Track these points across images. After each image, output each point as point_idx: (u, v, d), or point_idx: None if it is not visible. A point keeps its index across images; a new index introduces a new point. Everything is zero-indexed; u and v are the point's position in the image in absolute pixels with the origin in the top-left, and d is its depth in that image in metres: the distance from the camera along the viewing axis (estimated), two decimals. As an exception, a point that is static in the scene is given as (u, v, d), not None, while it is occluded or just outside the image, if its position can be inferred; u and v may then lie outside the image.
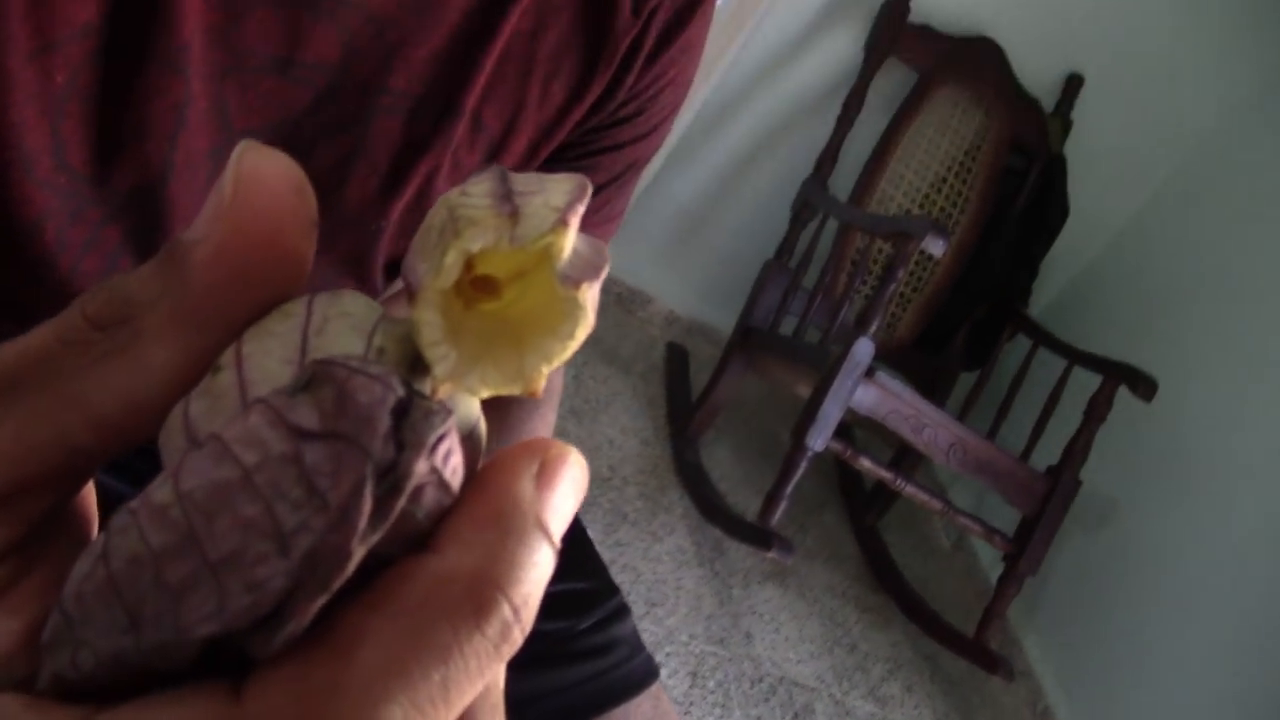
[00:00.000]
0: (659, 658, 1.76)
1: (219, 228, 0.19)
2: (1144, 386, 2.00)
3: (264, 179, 0.19)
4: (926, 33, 2.30)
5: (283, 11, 0.49)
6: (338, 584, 0.17)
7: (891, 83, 2.33)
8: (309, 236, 0.20)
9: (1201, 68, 2.44)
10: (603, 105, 0.61)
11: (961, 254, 2.37)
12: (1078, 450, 2.02)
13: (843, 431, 2.53)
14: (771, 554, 1.79)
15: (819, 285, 2.14)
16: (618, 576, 1.85)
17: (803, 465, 1.84)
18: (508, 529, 0.18)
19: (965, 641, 2.04)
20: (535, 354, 0.20)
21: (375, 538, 0.17)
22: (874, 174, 2.29)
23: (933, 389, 2.37)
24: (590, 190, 0.19)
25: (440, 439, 0.18)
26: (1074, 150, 2.44)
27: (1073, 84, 2.45)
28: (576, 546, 0.76)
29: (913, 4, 2.28)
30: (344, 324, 0.20)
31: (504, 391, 0.20)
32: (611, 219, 0.68)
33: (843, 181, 2.33)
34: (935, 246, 1.80)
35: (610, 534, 1.93)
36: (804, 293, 2.21)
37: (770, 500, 1.85)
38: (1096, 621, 2.19)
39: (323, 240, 0.58)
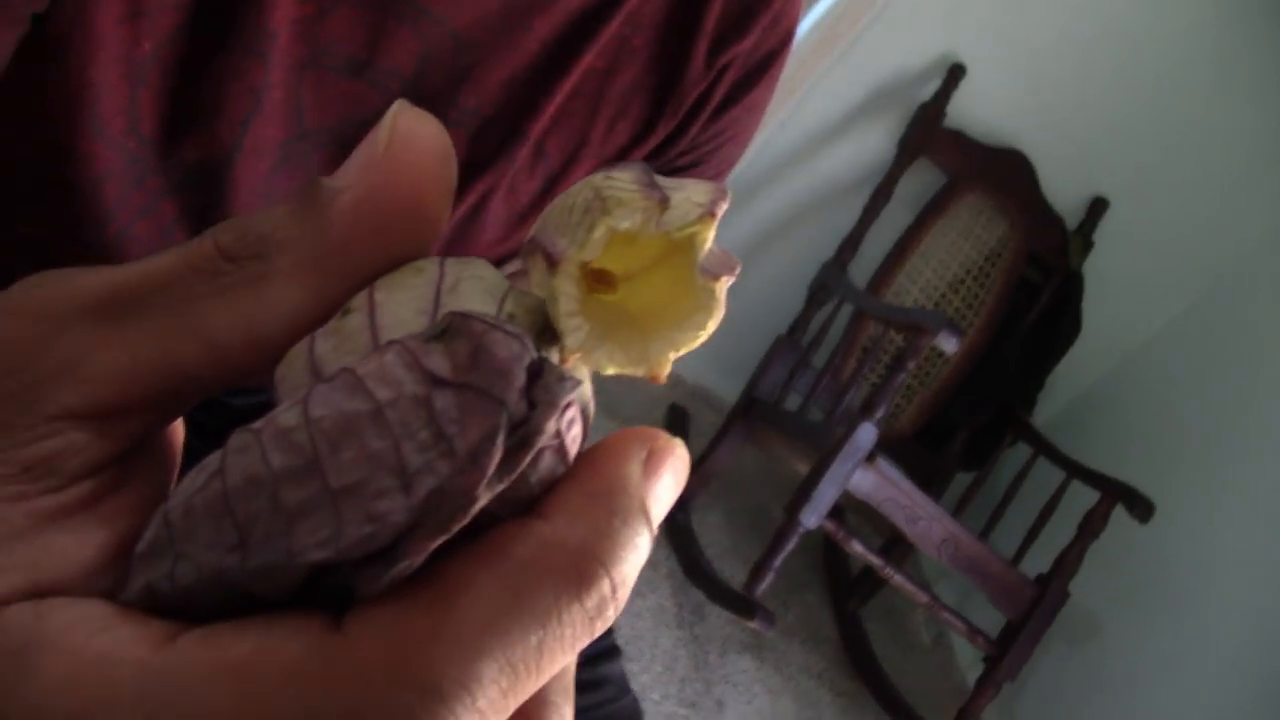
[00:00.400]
0: None
1: (367, 178, 0.20)
2: (1141, 508, 2.02)
3: (416, 139, 0.20)
4: (960, 139, 2.37)
5: (368, 13, 0.52)
6: (456, 528, 0.17)
7: (920, 181, 2.39)
8: (446, 203, 0.21)
9: (1228, 201, 2.50)
10: (663, 151, 0.64)
11: (971, 355, 2.41)
12: (1069, 562, 2.03)
13: (835, 513, 2.54)
14: (754, 624, 1.80)
15: (828, 366, 2.17)
16: (598, 627, 1.85)
17: (793, 540, 1.85)
18: (615, 508, 0.19)
19: (934, 739, 2.04)
20: (662, 341, 0.21)
21: (500, 488, 0.18)
22: (893, 266, 2.33)
23: (929, 483, 2.39)
24: (729, 196, 0.21)
25: (569, 405, 0.19)
26: (1093, 269, 2.49)
27: (1097, 206, 2.51)
28: None
29: (949, 109, 2.35)
30: (477, 285, 0.21)
31: (628, 372, 0.21)
32: None
33: (862, 268, 2.37)
34: (948, 343, 1.84)
35: (595, 585, 1.94)
36: (812, 372, 2.24)
37: (757, 570, 1.86)
38: (1066, 736, 2.18)
39: None
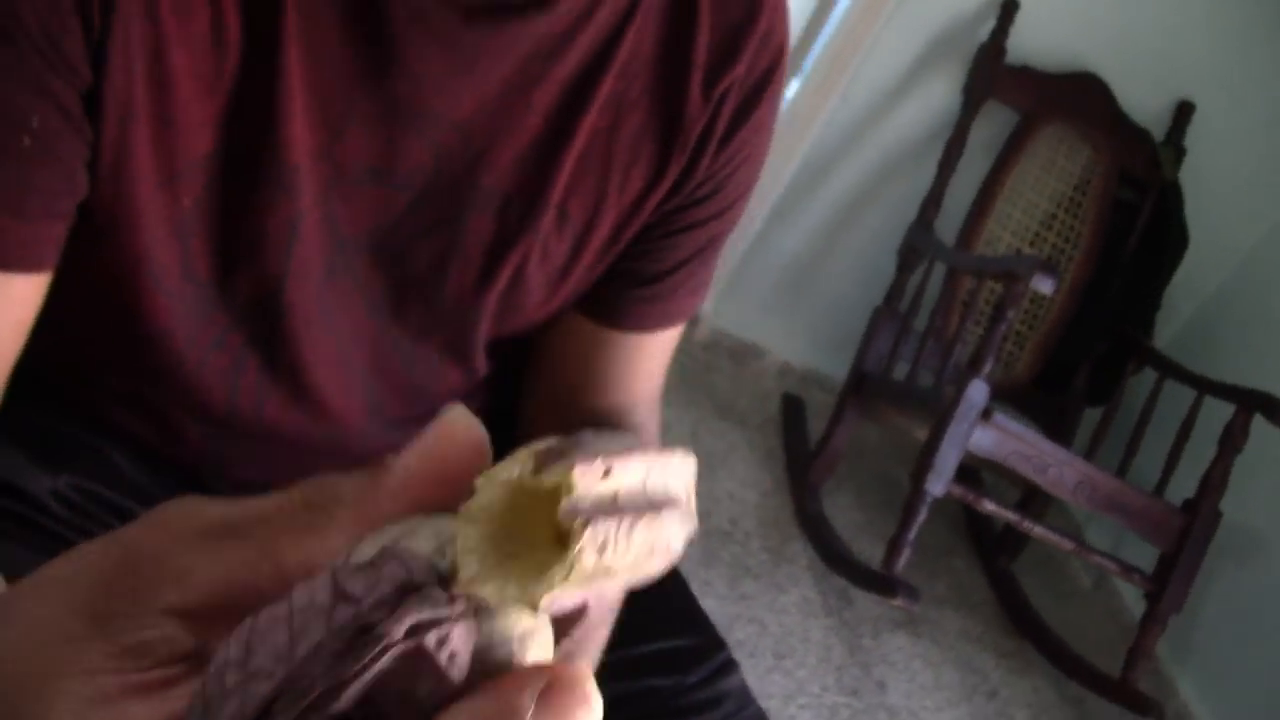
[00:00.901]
0: (790, 710, 1.77)
1: (414, 465, 0.25)
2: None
3: (458, 436, 0.25)
4: (1025, 73, 2.31)
5: (377, 127, 0.55)
6: (302, 706, 0.21)
7: (993, 124, 2.33)
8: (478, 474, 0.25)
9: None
10: (680, 188, 0.66)
11: (1077, 289, 2.34)
12: (1214, 482, 1.95)
13: (968, 474, 2.50)
14: (897, 602, 1.79)
15: (929, 329, 2.14)
16: (743, 630, 1.87)
17: (923, 511, 1.83)
18: None
19: (1112, 684, 1.98)
20: (540, 579, 0.23)
21: (352, 682, 0.21)
22: (980, 216, 2.29)
23: (1057, 427, 2.33)
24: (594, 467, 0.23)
25: (433, 623, 0.21)
26: (1190, 177, 2.39)
27: (1183, 111, 2.40)
28: (680, 602, 0.79)
29: (1010, 44, 2.29)
30: (428, 529, 0.24)
31: (512, 604, 0.23)
32: (697, 291, 0.73)
33: (949, 224, 2.33)
34: (1043, 285, 1.79)
35: (734, 588, 1.95)
36: (915, 337, 2.21)
37: (893, 547, 1.85)
38: (1256, 657, 2.10)
39: (425, 329, 0.64)
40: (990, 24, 2.30)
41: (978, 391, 1.82)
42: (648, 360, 0.74)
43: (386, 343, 0.63)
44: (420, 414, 0.68)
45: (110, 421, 0.62)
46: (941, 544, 2.43)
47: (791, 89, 2.58)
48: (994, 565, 2.40)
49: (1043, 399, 2.36)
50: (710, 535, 2.04)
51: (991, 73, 2.28)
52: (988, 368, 1.83)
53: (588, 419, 0.73)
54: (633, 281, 0.69)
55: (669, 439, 2.19)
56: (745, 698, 0.76)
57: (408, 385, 0.66)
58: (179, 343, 0.57)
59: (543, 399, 0.75)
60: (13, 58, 0.47)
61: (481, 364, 0.69)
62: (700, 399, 2.43)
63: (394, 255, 0.60)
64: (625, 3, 0.59)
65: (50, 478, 0.59)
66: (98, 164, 0.51)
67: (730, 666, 0.77)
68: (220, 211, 0.55)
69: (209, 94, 0.52)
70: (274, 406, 0.62)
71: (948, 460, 1.82)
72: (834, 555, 2.05)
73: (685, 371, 2.49)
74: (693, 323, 2.65)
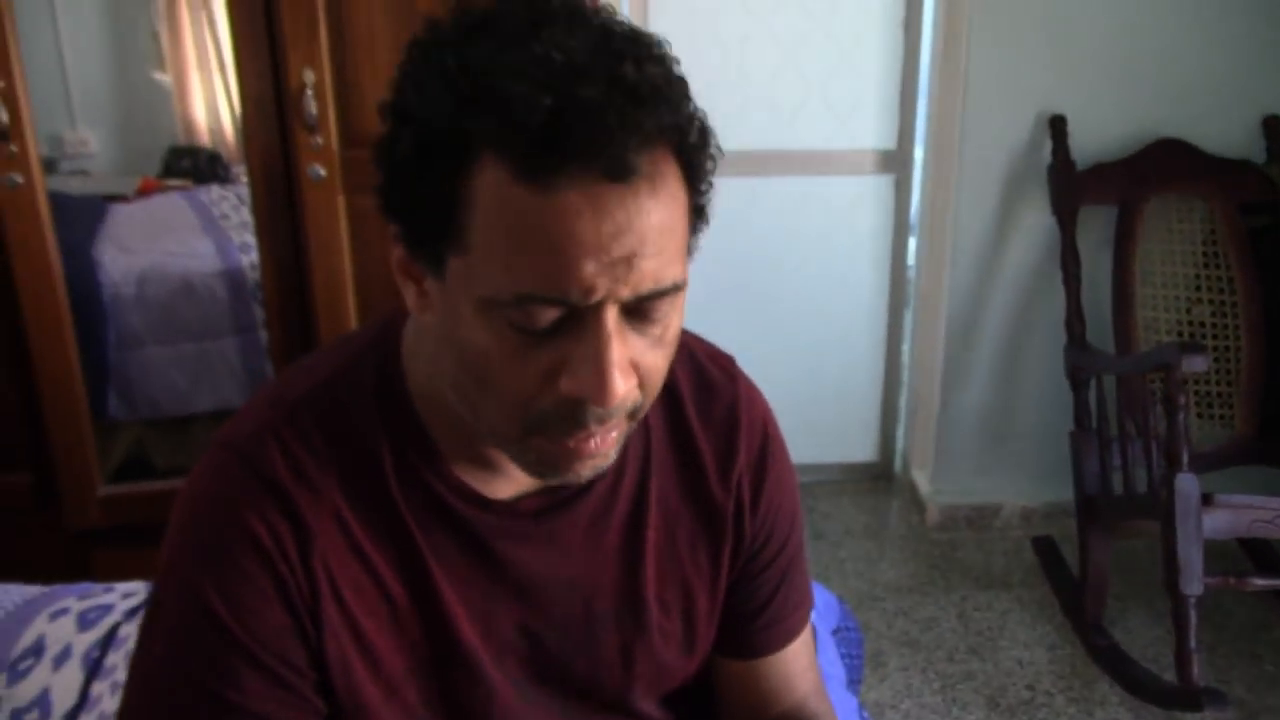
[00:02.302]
0: None
1: None
2: None
3: None
4: (1101, 170, 2.42)
5: (511, 606, 0.79)
6: None
7: (1097, 225, 2.44)
8: None
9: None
10: (740, 550, 0.88)
11: (1256, 329, 2.35)
12: None
13: (1257, 549, 2.45)
14: (1207, 713, 1.79)
15: (1122, 434, 2.20)
16: (1079, 791, 1.90)
17: (1192, 614, 1.85)
18: None
19: None
20: None
21: None
22: (1125, 310, 2.36)
23: (1309, 463, 2.28)
24: None
25: None
26: (1311, 178, 2.39)
27: (1271, 125, 2.44)
28: None
29: (1074, 151, 2.42)
30: None
31: None
32: (801, 604, 0.93)
33: (1102, 328, 2.41)
34: (1195, 364, 1.87)
35: (1055, 752, 1.99)
36: (1116, 446, 2.26)
37: (1181, 660, 1.86)
38: None
39: (604, 714, 0.87)
40: (1048, 144, 2.45)
41: (1188, 484, 1.87)
42: (794, 666, 0.94)
43: None
44: None
45: None
46: (1256, 622, 2.36)
47: (909, 266, 2.79)
48: (1320, 620, 2.30)
49: (1275, 445, 2.33)
50: (1014, 709, 2.10)
51: (1070, 185, 2.41)
52: (1185, 460, 1.89)
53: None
54: (744, 620, 0.90)
55: (939, 633, 2.29)
56: None
57: None
58: None
59: (733, 717, 0.95)
60: (267, 680, 0.72)
61: (660, 715, 0.90)
62: (956, 579, 2.52)
63: (560, 677, 0.83)
64: (640, 461, 0.84)
65: None
66: (339, 700, 0.75)
67: None
68: (432, 692, 0.78)
69: (398, 630, 0.76)
70: None
71: (1191, 558, 1.85)
72: (1136, 684, 2.06)
73: (933, 559, 2.60)
74: (920, 510, 2.77)
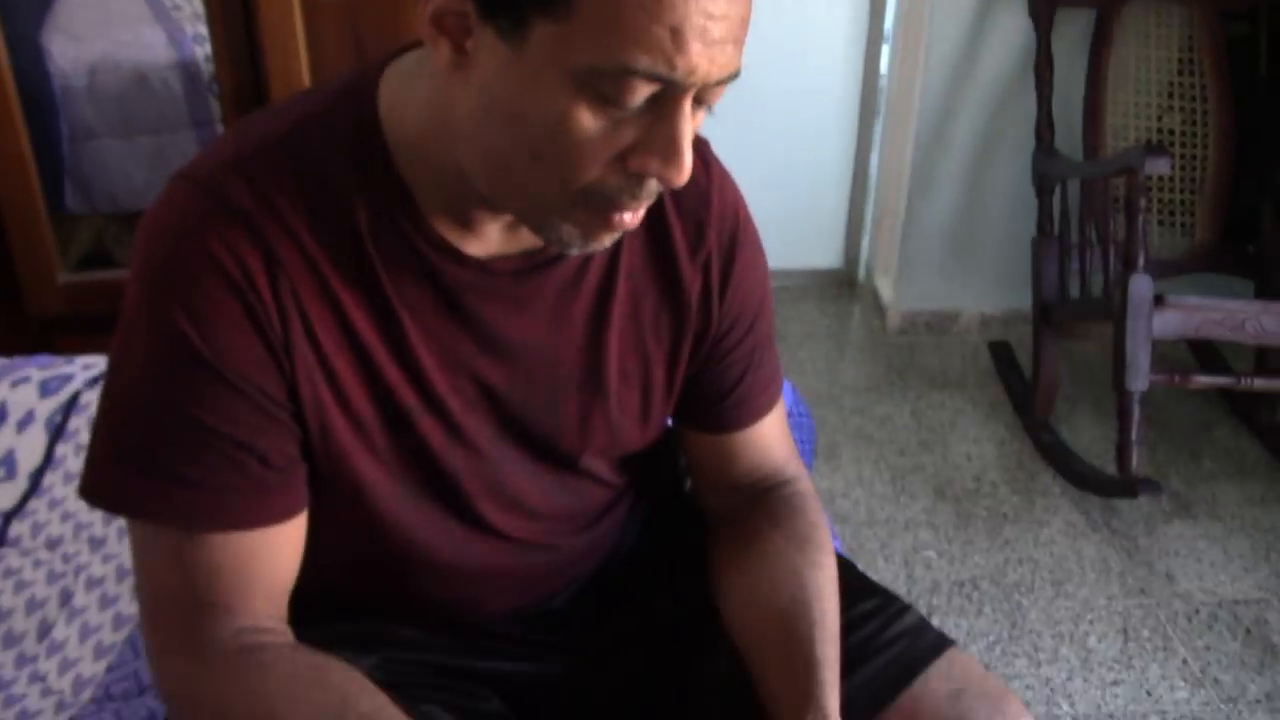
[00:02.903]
0: (1083, 628, 1.89)
1: None
2: None
3: None
4: (1083, -32, 2.36)
5: (479, 361, 0.80)
6: None
7: (1073, 29, 2.40)
8: None
9: None
10: (705, 334, 0.89)
11: (1225, 138, 2.35)
12: None
13: (1203, 351, 2.52)
14: (1142, 499, 1.89)
15: (1084, 241, 2.22)
16: (1016, 571, 2.01)
17: (1136, 409, 1.92)
18: None
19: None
20: None
21: None
22: (1095, 117, 2.35)
23: (1263, 274, 2.33)
24: None
25: None
26: (1294, -18, 2.34)
27: (1259, -76, 2.38)
28: (853, 579, 0.99)
29: (1058, -50, 2.35)
30: None
31: None
32: (770, 382, 0.96)
33: (1075, 134, 2.40)
34: (1157, 166, 1.88)
35: (996, 537, 2.10)
36: (1075, 252, 2.30)
37: (1121, 452, 1.94)
38: None
39: (561, 471, 0.89)
40: (1031, -59, 2.38)
41: (1141, 284, 1.90)
42: (767, 439, 0.97)
43: (539, 488, 0.89)
44: (584, 524, 0.94)
45: (388, 607, 0.92)
46: (1197, 422, 2.45)
47: (881, 75, 2.74)
48: (1259, 423, 2.40)
49: (1237, 253, 2.37)
50: (960, 498, 2.20)
51: (1050, -15, 2.35)
52: (1141, 261, 1.92)
53: (752, 486, 0.97)
54: (715, 400, 0.93)
55: (892, 429, 2.37)
56: (921, 629, 0.95)
57: (564, 507, 0.92)
58: (406, 532, 0.84)
59: (709, 487, 0.99)
60: (245, 406, 0.73)
61: (615, 478, 0.94)
62: (912, 381, 2.59)
63: (523, 434, 0.86)
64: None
65: (366, 660, 0.86)
66: (311, 441, 0.77)
67: (904, 611, 0.97)
68: (402, 437, 0.80)
69: (368, 375, 0.77)
70: (483, 550, 0.88)
71: (1139, 357, 1.91)
72: (1078, 475, 2.16)
73: (891, 361, 2.66)
74: (880, 315, 2.82)
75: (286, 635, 0.79)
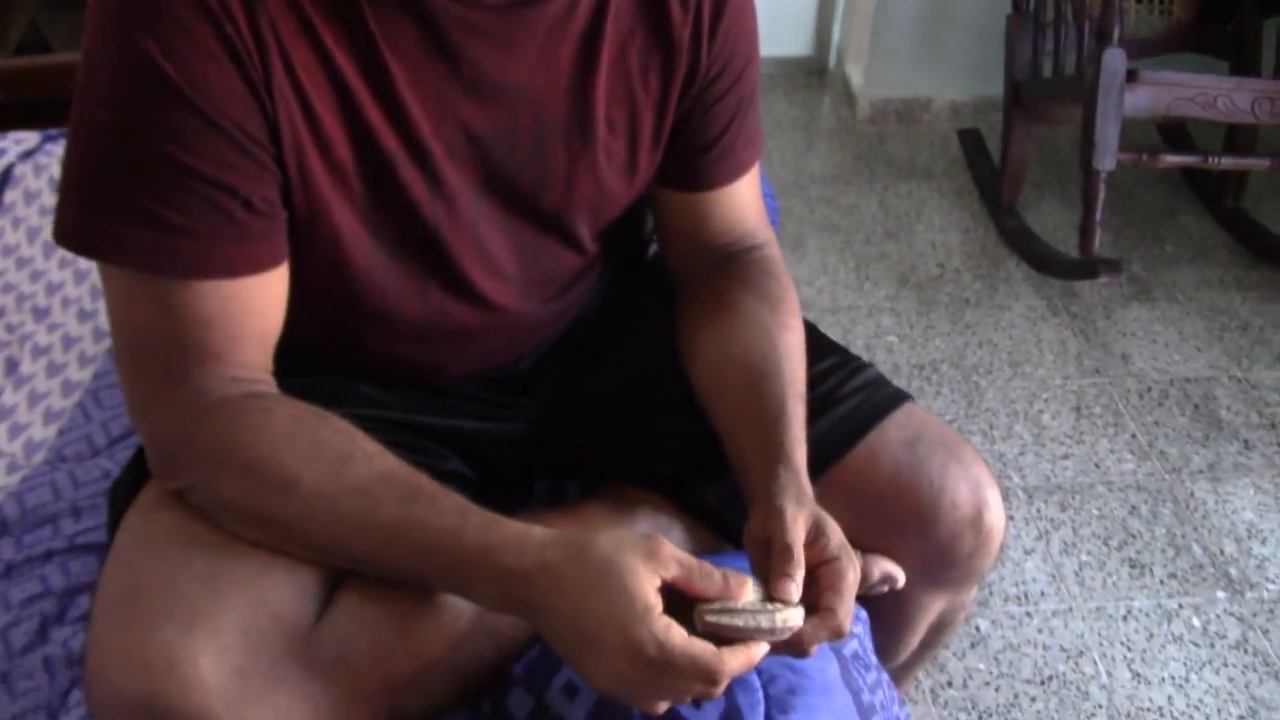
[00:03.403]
0: (1038, 406, 1.94)
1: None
2: None
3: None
4: None
5: (464, 104, 0.77)
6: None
7: None
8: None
9: None
10: (694, 79, 0.86)
11: (1210, -94, 2.25)
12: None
13: (1173, 135, 2.49)
14: (1102, 279, 1.90)
15: (1058, 18, 2.15)
16: (975, 354, 2.04)
17: (1101, 189, 1.91)
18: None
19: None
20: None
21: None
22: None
23: (1240, 54, 2.28)
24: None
25: (775, 627, 0.68)
26: None
27: None
28: (815, 338, 0.99)
29: None
30: (756, 590, 0.70)
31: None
32: (751, 141, 0.93)
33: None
34: (1140, -69, 1.79)
35: (957, 321, 2.12)
36: (1050, 29, 2.23)
37: (1084, 232, 1.94)
38: None
39: (541, 231, 0.88)
40: None
41: (1114, 59, 1.86)
42: (742, 199, 0.95)
43: (517, 248, 0.88)
44: (556, 291, 0.93)
45: (354, 366, 0.91)
46: (1162, 208, 2.45)
47: None
48: (1222, 207, 2.40)
49: (1214, 32, 2.31)
50: (923, 285, 2.21)
51: None
52: (1116, 35, 1.86)
53: (723, 249, 0.95)
54: (696, 153, 0.90)
55: (859, 218, 2.36)
56: (880, 384, 0.97)
57: (541, 273, 0.91)
58: (380, 287, 0.82)
59: (680, 249, 0.98)
60: (224, 144, 0.69)
61: (592, 247, 0.92)
62: (880, 170, 2.56)
63: (506, 188, 0.84)
64: None
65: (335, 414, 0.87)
66: (290, 187, 0.74)
67: (863, 367, 0.98)
68: (381, 186, 0.77)
69: (349, 117, 0.74)
70: (454, 312, 0.87)
71: (1107, 134, 1.88)
72: (1040, 259, 2.17)
73: (860, 150, 2.62)
74: (850, 104, 2.76)
75: (276, 388, 0.78)
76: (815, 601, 0.72)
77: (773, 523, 0.74)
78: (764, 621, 0.68)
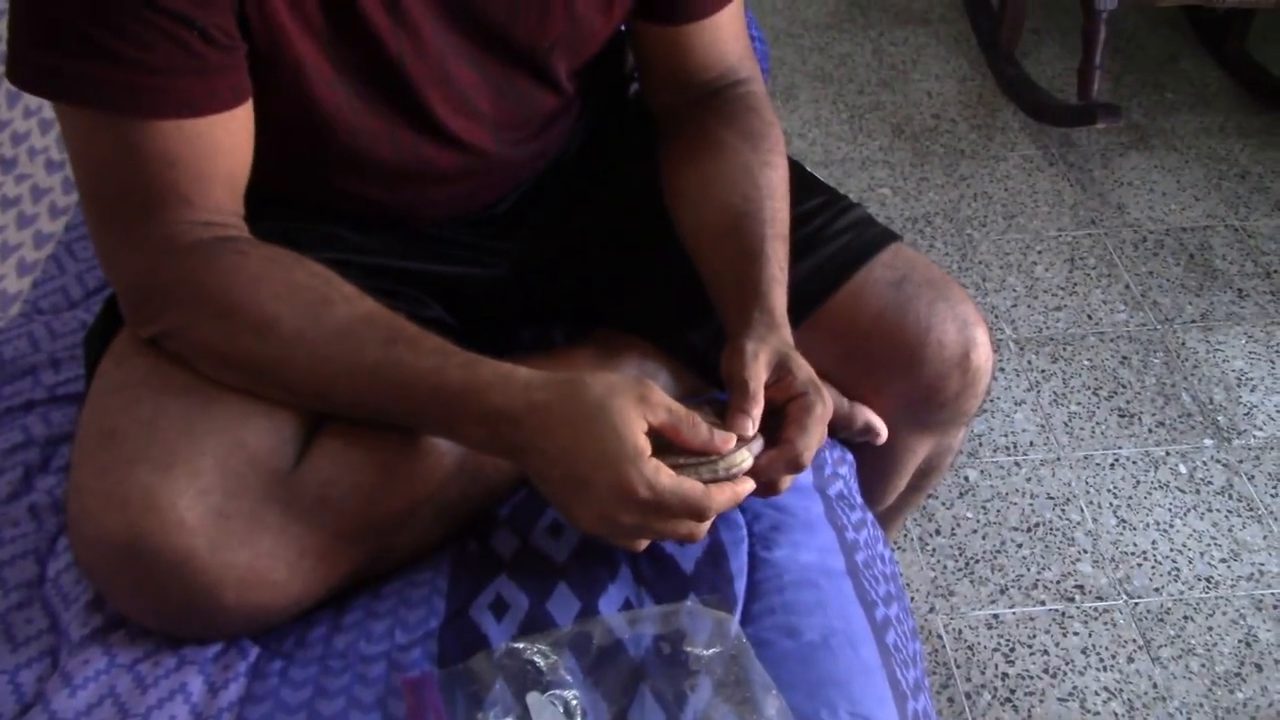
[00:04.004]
0: (1031, 258, 1.92)
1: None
2: None
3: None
4: None
5: None
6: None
7: None
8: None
9: None
10: None
11: None
12: None
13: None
14: (1100, 125, 1.85)
15: None
16: (970, 207, 2.01)
17: (1103, 29, 1.85)
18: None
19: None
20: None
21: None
22: None
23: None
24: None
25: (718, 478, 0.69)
26: None
27: None
28: (802, 177, 0.97)
29: None
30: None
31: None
32: None
33: None
34: None
35: (952, 173, 2.08)
36: None
37: (1083, 76, 1.89)
38: None
39: (515, 67, 0.84)
40: None
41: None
42: (725, 32, 0.91)
43: (491, 86, 0.84)
44: (531, 132, 0.90)
45: (329, 211, 0.89)
46: (1163, 53, 2.38)
47: None
48: (1224, 51, 2.33)
49: None
50: (918, 136, 2.16)
51: None
52: None
53: (705, 85, 0.92)
54: None
55: (852, 67, 2.29)
56: (868, 224, 0.95)
57: (516, 113, 0.87)
58: (348, 126, 0.79)
59: (661, 87, 0.94)
60: None
61: (569, 86, 0.89)
62: (875, 16, 2.47)
63: (477, 21, 0.80)
64: None
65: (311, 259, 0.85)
66: (252, 27, 0.70)
67: (851, 207, 0.96)
68: (346, 26, 0.74)
69: None
70: (426, 152, 0.84)
71: (1112, -28, 1.81)
72: (1038, 107, 2.11)
73: (854, -4, 2.53)
74: (846, -54, 2.65)
75: (248, 232, 0.76)
76: (778, 435, 0.72)
77: (734, 360, 0.73)
78: (704, 473, 0.68)
